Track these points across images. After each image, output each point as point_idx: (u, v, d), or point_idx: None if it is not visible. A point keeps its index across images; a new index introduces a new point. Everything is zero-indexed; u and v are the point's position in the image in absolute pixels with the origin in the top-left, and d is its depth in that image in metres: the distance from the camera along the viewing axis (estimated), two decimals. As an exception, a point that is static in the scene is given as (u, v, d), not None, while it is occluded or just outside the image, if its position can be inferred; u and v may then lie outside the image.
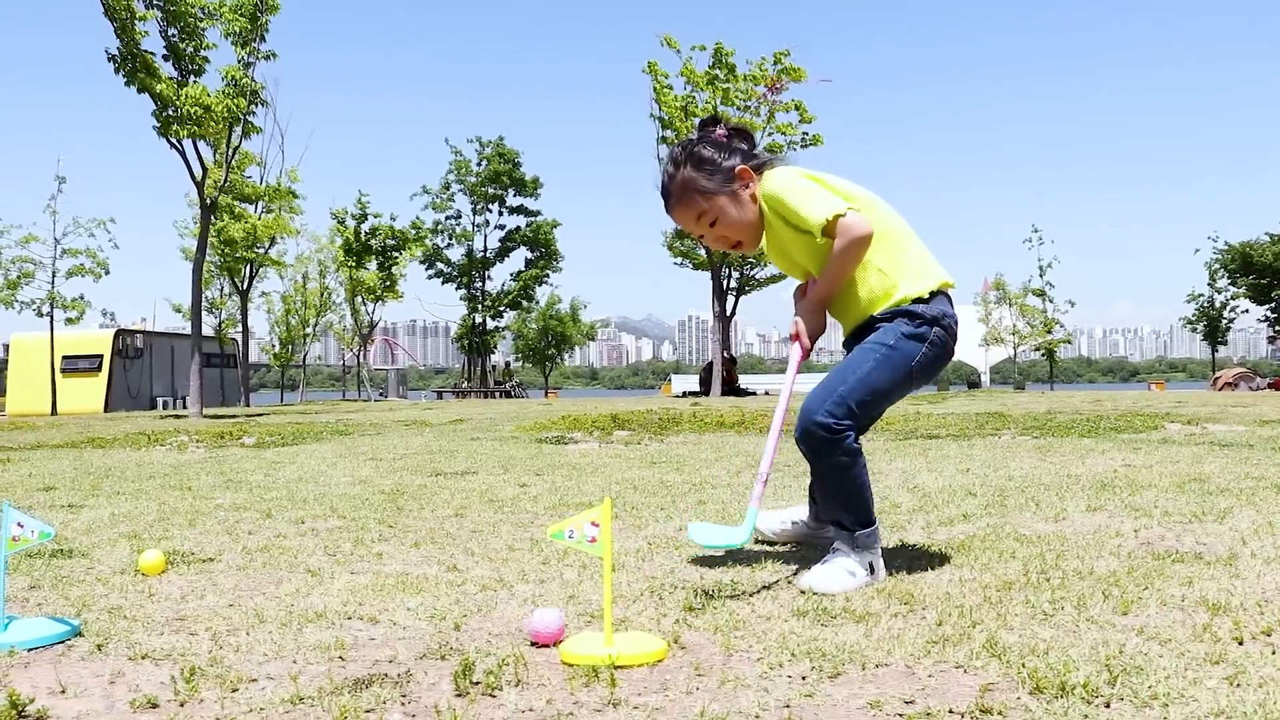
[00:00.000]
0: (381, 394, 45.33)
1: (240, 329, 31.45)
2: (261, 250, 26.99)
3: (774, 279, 30.95)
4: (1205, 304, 42.93)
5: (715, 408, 13.06)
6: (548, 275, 43.73)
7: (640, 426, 8.97)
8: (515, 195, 43.10)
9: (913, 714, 1.62)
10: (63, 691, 1.84)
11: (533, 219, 43.17)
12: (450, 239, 42.59)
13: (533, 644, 2.05)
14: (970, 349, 48.16)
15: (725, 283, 30.50)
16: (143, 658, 2.04)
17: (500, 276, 59.19)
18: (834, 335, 3.00)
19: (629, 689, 1.78)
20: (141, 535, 3.65)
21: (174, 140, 15.71)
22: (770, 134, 26.60)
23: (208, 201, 16.73)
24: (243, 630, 2.24)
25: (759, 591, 2.49)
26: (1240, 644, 1.92)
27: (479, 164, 42.47)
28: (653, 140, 26.95)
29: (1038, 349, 42.39)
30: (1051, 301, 40.55)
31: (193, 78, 15.72)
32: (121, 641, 2.16)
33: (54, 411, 26.85)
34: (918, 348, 2.64)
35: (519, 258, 43.67)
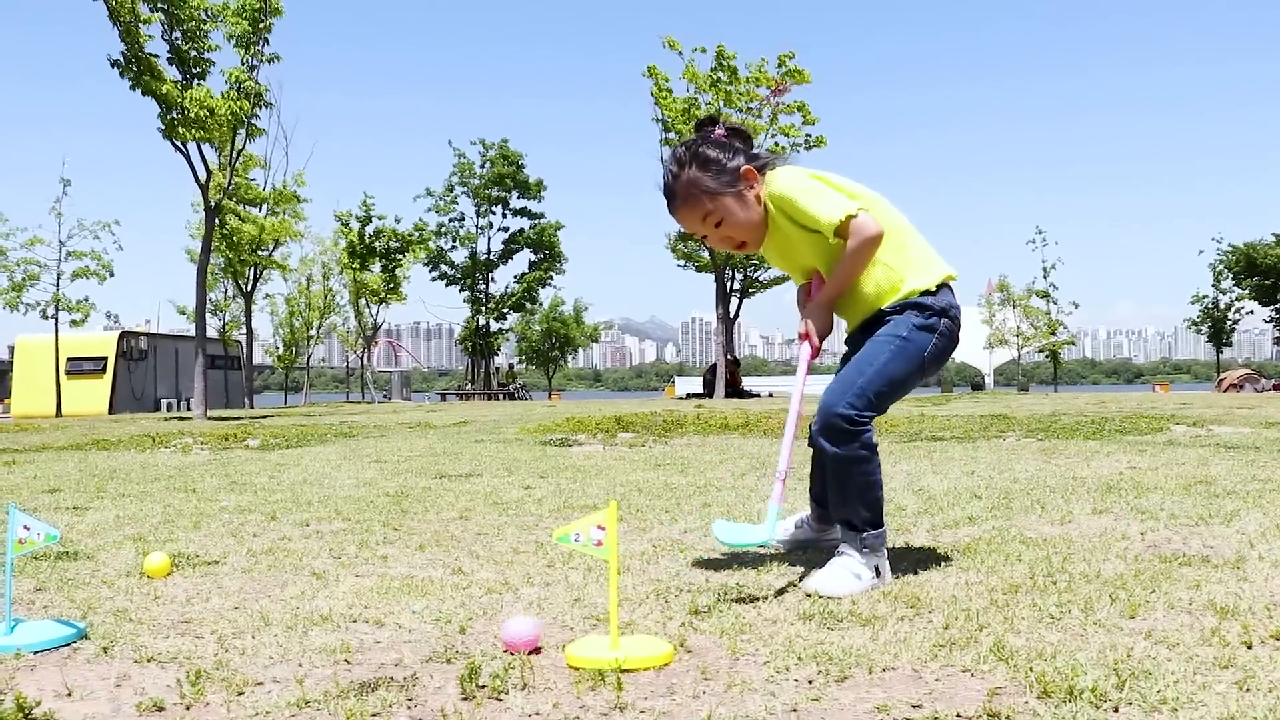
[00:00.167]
0: (385, 396, 45.36)
1: (244, 331, 31.46)
2: (266, 253, 27.02)
3: (777, 281, 30.97)
4: (1210, 305, 42.88)
5: (719, 410, 13.06)
6: (551, 277, 43.78)
7: (644, 428, 8.97)
8: (519, 197, 43.16)
9: (920, 718, 1.61)
10: (69, 694, 1.84)
11: (536, 221, 43.22)
12: (454, 241, 42.65)
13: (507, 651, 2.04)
14: (974, 351, 48.09)
15: (729, 285, 30.51)
16: (148, 661, 2.04)
17: (504, 278, 59.19)
18: (836, 334, 3.00)
19: (635, 693, 1.78)
20: (146, 538, 3.65)
21: (179, 143, 15.72)
22: (774, 136, 26.61)
23: (212, 204, 16.75)
24: (248, 633, 2.23)
25: (765, 594, 2.48)
26: (1249, 648, 1.91)
27: (482, 166, 42.54)
28: (655, 143, 26.97)
29: (1041, 351, 42.37)
30: (1055, 303, 40.52)
31: (197, 80, 15.74)
32: (127, 644, 2.16)
33: (59, 413, 26.91)
34: (929, 338, 2.68)
35: (522, 260, 43.77)
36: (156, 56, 15.20)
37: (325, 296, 41.59)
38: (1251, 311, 43.52)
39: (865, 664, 1.89)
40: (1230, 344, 45.06)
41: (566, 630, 2.21)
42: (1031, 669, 1.80)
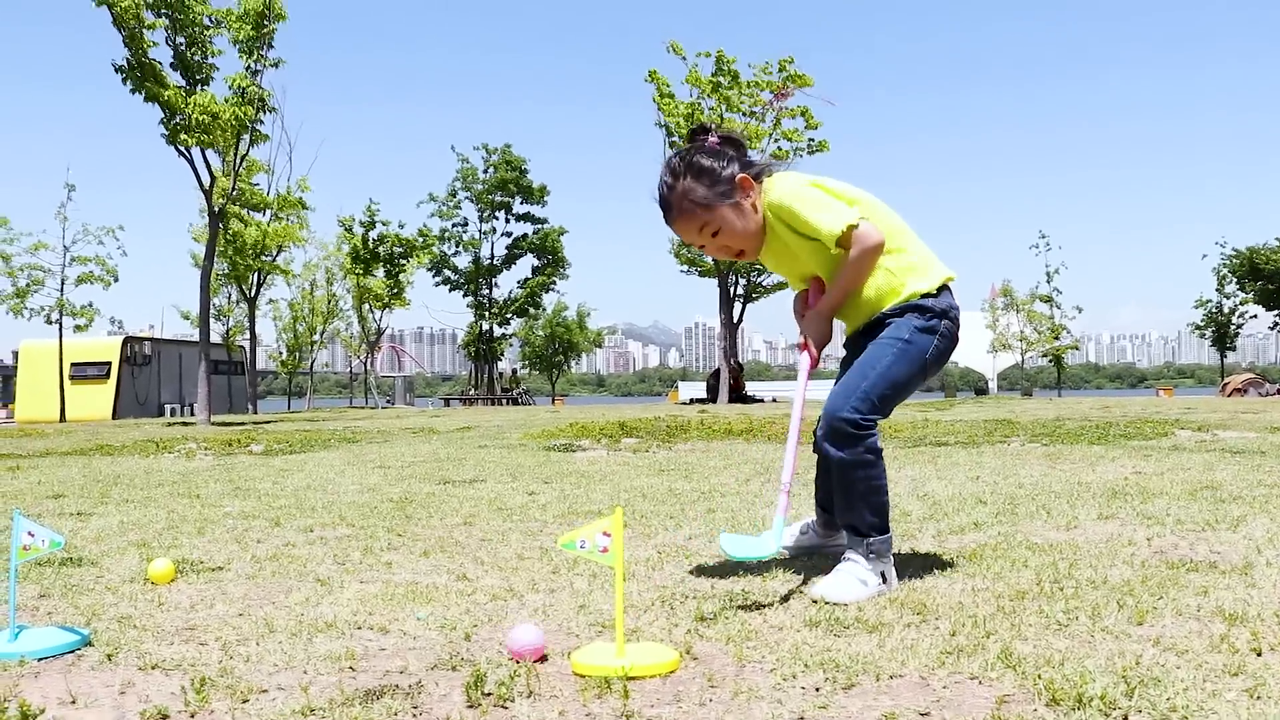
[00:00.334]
0: (389, 401, 45.39)
1: (248, 336, 31.49)
2: (270, 258, 27.05)
3: (781, 286, 30.96)
4: (1214, 310, 42.84)
5: (723, 415, 13.05)
6: (554, 282, 43.80)
7: (648, 434, 8.96)
8: (522, 203, 43.21)
9: (928, 726, 1.60)
10: (73, 702, 1.83)
11: (540, 226, 43.26)
12: (457, 246, 42.69)
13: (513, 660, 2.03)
14: (978, 355, 48.04)
15: (732, 290, 30.51)
16: (153, 668, 2.03)
17: (507, 284, 59.15)
18: (836, 339, 2.99)
19: (642, 700, 1.77)
20: (150, 543, 3.65)
21: (182, 149, 15.74)
22: (776, 140, 26.62)
23: (216, 210, 16.76)
24: (253, 640, 2.23)
25: (771, 601, 2.47)
26: (1259, 655, 1.90)
27: (485, 171, 42.58)
28: (658, 147, 27.02)
29: (1045, 355, 42.35)
30: (1059, 308, 40.52)
31: (200, 86, 15.76)
32: (131, 651, 2.15)
33: (62, 418, 26.94)
34: (930, 340, 2.68)
35: (526, 265, 43.78)
36: (160, 63, 15.23)
37: (329, 302, 41.64)
38: (1255, 316, 43.47)
39: (872, 671, 1.88)
40: (1234, 348, 45.02)
41: (572, 637, 2.21)
42: (1040, 676, 1.79)
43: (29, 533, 2.15)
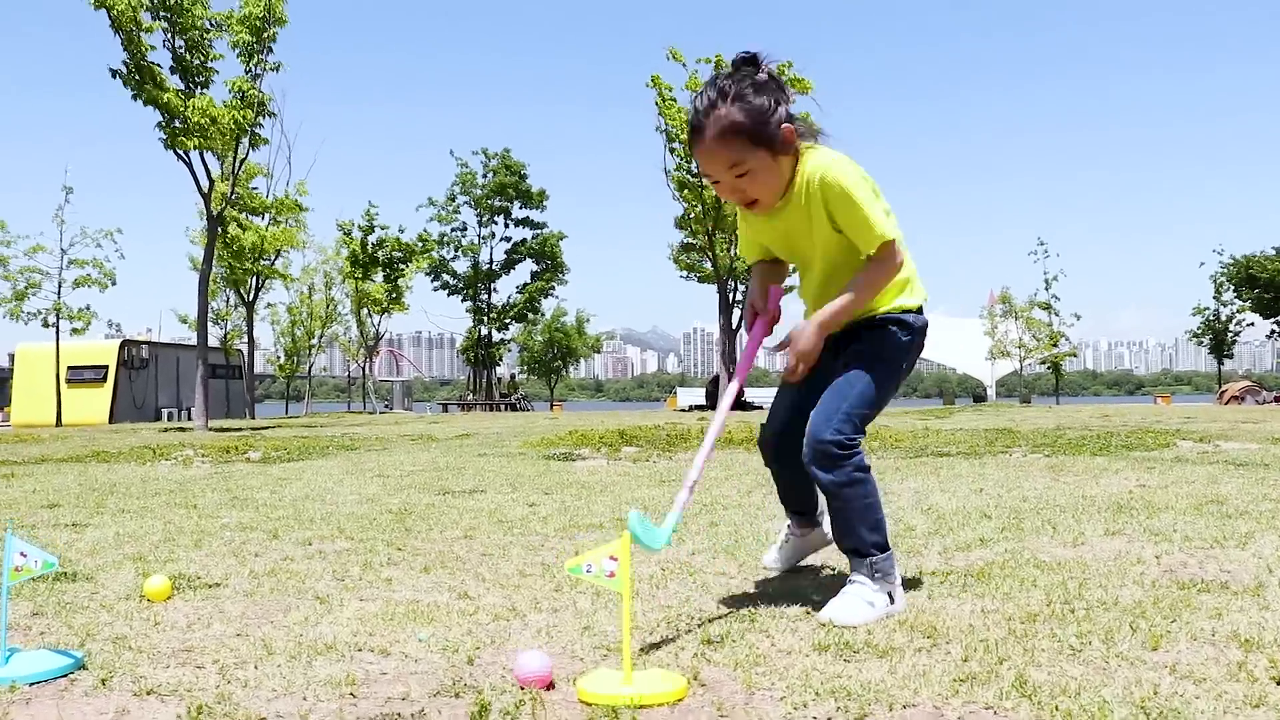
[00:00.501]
0: (387, 406, 45.32)
1: (246, 340, 31.42)
2: (268, 262, 26.99)
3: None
4: (1211, 317, 42.88)
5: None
6: (553, 287, 43.76)
7: (648, 443, 8.92)
8: (521, 207, 43.21)
9: (944, 761, 1.56)
10: (66, 730, 1.79)
11: (539, 231, 43.24)
12: (456, 251, 42.65)
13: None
14: (976, 362, 48.04)
15: (731, 296, 30.46)
16: (148, 693, 1.99)
17: (506, 289, 59.09)
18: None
19: (649, 730, 1.73)
20: (147, 557, 3.60)
21: (181, 152, 15.70)
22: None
23: (214, 214, 16.72)
24: (251, 663, 2.18)
25: (778, 623, 2.43)
26: (1279, 684, 1.86)
27: (484, 176, 42.57)
28: (659, 153, 26.99)
29: (1044, 363, 42.37)
30: (1057, 315, 40.55)
31: (199, 89, 15.73)
32: (126, 675, 2.11)
33: (59, 422, 26.86)
34: (904, 355, 2.67)
35: (525, 270, 43.76)
36: (159, 66, 15.19)
37: (327, 306, 41.56)
38: (1252, 324, 43.55)
39: (885, 700, 1.84)
40: (1231, 355, 45.05)
41: (577, 661, 2.16)
42: (1057, 707, 1.75)
43: (21, 553, 2.11)
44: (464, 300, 42.93)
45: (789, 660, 2.12)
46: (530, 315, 44.40)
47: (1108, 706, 1.74)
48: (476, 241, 42.84)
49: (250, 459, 8.60)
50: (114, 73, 14.80)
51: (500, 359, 45.47)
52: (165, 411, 31.89)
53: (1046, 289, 39.87)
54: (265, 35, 16.15)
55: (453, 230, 42.51)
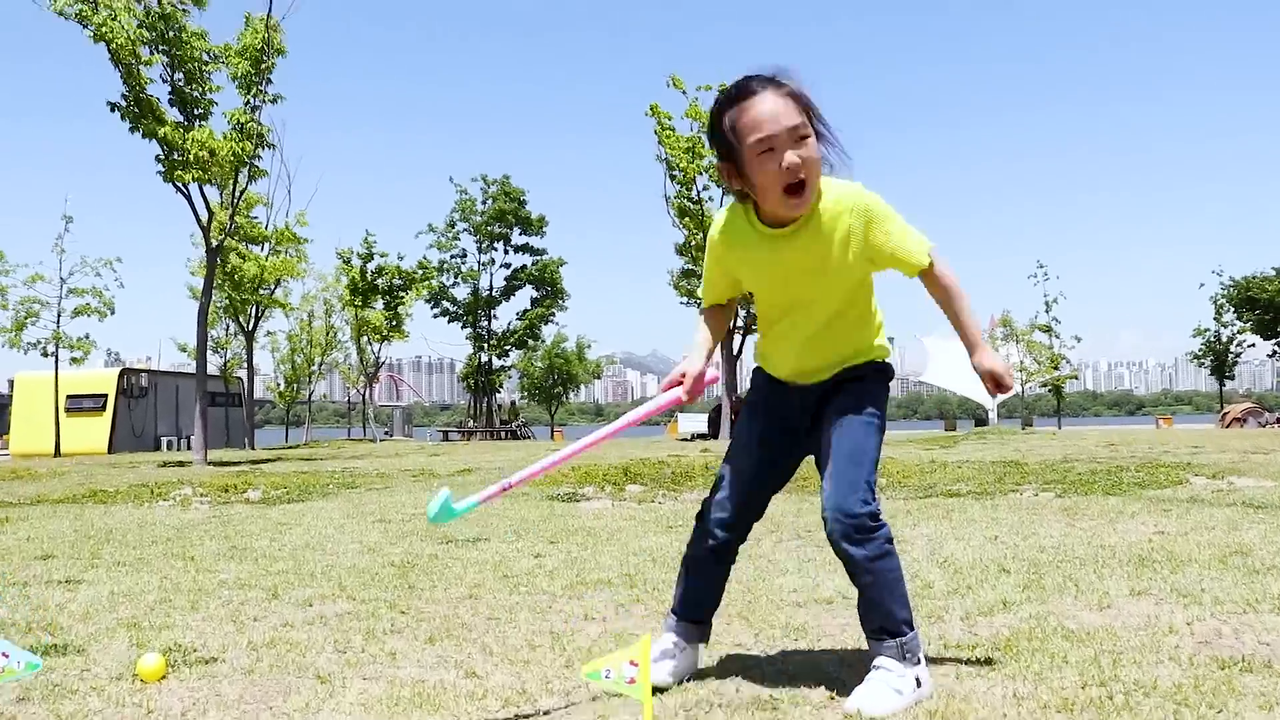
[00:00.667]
0: (387, 432, 45.16)
1: (245, 368, 31.30)
2: (268, 292, 26.89)
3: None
4: (1212, 339, 42.83)
5: (726, 454, 12.86)
6: (553, 314, 43.68)
7: (653, 480, 8.81)
8: (521, 234, 43.16)
9: None
10: None
11: (538, 257, 43.18)
12: (456, 278, 42.58)
13: None
14: (977, 386, 47.88)
15: (731, 322, 30.39)
16: (139, 804, 1.87)
17: (506, 315, 59.08)
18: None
19: None
20: (141, 623, 3.48)
21: (180, 185, 15.63)
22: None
23: (213, 246, 16.65)
24: (248, 763, 2.07)
25: (801, 710, 2.31)
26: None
27: (484, 202, 42.56)
28: (658, 180, 27.00)
29: (1045, 385, 42.28)
30: (1058, 337, 40.49)
31: (198, 122, 15.68)
32: (117, 779, 2.00)
33: (57, 452, 26.70)
34: (885, 404, 2.60)
35: (524, 296, 43.67)
36: (158, 98, 15.15)
37: (327, 333, 41.45)
38: (1253, 345, 43.53)
39: (923, 815, 1.72)
40: (1233, 377, 45.01)
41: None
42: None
43: (3, 653, 2.00)
44: (464, 327, 42.85)
45: (817, 761, 2.00)
46: (530, 341, 44.29)
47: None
48: (476, 268, 42.80)
49: (249, 500, 8.48)
50: (112, 106, 14.76)
51: (501, 386, 45.33)
52: (165, 440, 31.71)
53: (1047, 311, 39.84)
54: (264, 66, 16.11)
55: (452, 257, 42.49)
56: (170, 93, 15.48)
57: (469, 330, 42.79)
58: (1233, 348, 42.68)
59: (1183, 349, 46.35)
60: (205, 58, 15.69)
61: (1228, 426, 33.69)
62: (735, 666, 2.75)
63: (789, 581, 4.02)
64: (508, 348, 43.20)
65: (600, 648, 3.00)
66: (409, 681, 2.66)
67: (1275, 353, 42.45)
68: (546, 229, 43.46)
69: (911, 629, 2.44)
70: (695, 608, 2.69)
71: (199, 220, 16.36)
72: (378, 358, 39.30)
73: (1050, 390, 43.11)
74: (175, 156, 15.05)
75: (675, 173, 26.18)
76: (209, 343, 20.23)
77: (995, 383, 2.52)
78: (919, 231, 2.49)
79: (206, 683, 2.70)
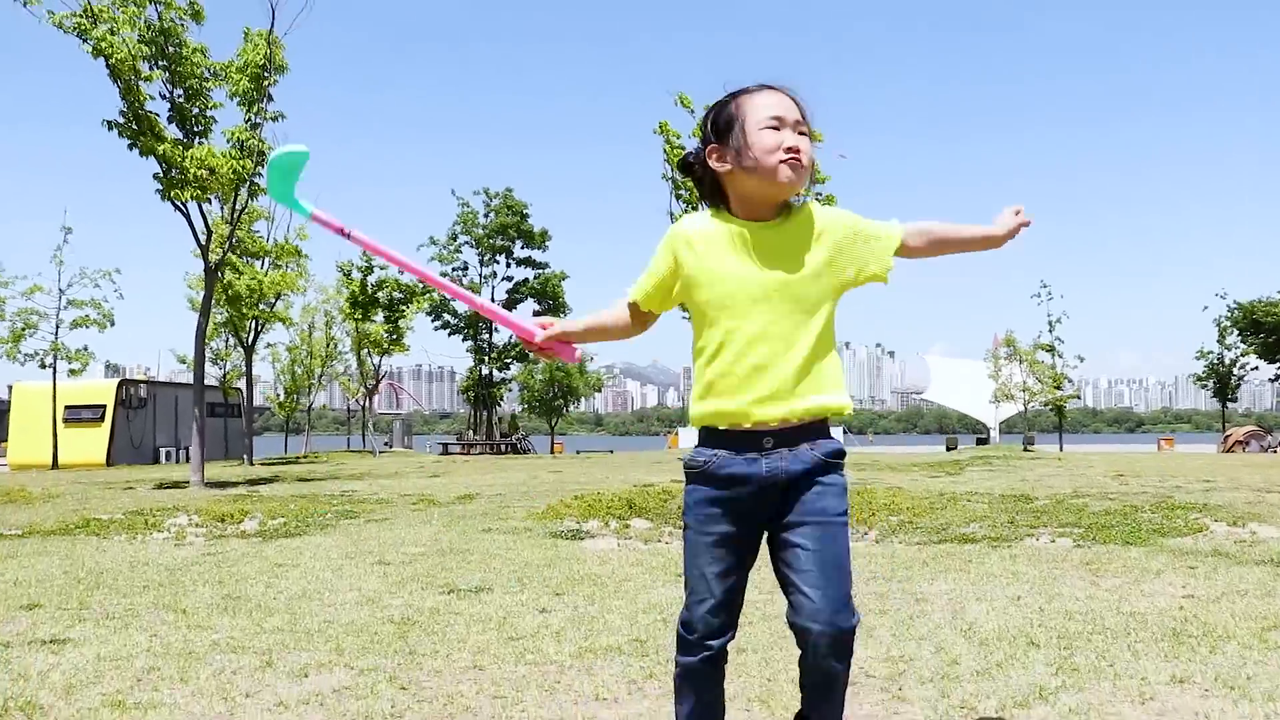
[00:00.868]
0: (386, 443, 44.98)
1: (244, 380, 31.13)
2: (267, 307, 26.68)
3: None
4: (1215, 361, 42.70)
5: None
6: (555, 327, 43.49)
7: (658, 515, 8.61)
8: (523, 247, 43.03)
9: None
10: None
11: (540, 271, 43.06)
12: (457, 290, 42.40)
13: None
14: (980, 405, 47.80)
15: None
16: None
17: (507, 329, 58.91)
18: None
19: None
20: (126, 702, 3.30)
21: (179, 203, 15.45)
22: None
23: (212, 264, 16.47)
24: None
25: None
26: None
27: (486, 215, 42.43)
28: (661, 194, 26.88)
29: (1047, 404, 42.11)
30: (1061, 357, 40.34)
31: (198, 139, 15.52)
32: None
33: (55, 464, 26.51)
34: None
35: (526, 310, 43.49)
36: (157, 115, 14.99)
37: (328, 344, 41.28)
38: (1257, 368, 43.41)
39: None
40: (1235, 399, 44.90)
41: None
42: None
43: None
44: (465, 340, 42.71)
45: None
46: (531, 355, 44.11)
47: None
48: (478, 281, 42.65)
49: (245, 532, 8.29)
50: (110, 124, 14.59)
51: (501, 398, 45.17)
52: (164, 451, 31.53)
53: (1050, 331, 39.68)
54: (265, 82, 15.96)
55: (454, 270, 42.33)
56: (170, 109, 15.32)
57: (470, 343, 42.65)
58: (1235, 370, 42.56)
59: (1182, 369, 46.28)
60: (206, 74, 15.54)
61: (1230, 449, 33.50)
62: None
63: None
64: (508, 360, 43.04)
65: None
66: (410, 791, 2.48)
67: (1278, 377, 42.30)
68: (549, 243, 43.35)
69: None
70: None
71: (197, 239, 16.17)
72: (378, 369, 39.13)
73: (1052, 410, 42.96)
74: (174, 174, 14.87)
75: (682, 191, 26.05)
76: (207, 355, 20.04)
77: (1017, 217, 2.51)
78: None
79: (192, 787, 2.52)
